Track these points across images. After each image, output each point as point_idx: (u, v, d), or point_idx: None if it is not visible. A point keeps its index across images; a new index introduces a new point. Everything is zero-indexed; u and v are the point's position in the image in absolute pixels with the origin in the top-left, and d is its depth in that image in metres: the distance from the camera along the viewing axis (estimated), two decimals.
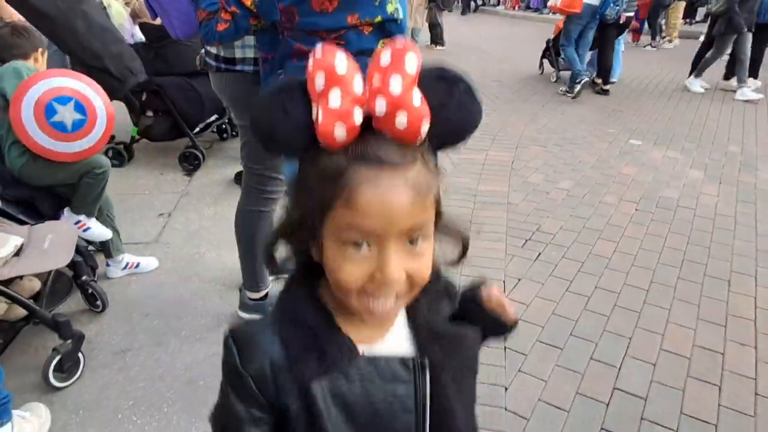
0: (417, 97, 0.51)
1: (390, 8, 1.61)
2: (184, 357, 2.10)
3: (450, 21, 11.63)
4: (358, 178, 0.51)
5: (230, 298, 2.47)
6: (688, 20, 12.93)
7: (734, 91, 6.85)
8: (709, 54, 6.92)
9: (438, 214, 0.58)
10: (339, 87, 0.50)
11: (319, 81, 0.50)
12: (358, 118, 0.51)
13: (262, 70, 1.82)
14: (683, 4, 11.09)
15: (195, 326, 2.27)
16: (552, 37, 7.37)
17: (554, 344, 2.28)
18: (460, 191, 3.80)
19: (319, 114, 0.50)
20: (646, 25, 11.10)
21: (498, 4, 16.92)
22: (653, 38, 10.93)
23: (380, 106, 0.51)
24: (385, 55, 0.52)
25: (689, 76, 7.21)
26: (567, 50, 6.72)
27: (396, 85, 0.50)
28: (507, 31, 13.45)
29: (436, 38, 10.54)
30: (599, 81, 6.93)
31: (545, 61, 7.89)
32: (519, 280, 2.75)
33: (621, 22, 6.56)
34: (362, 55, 1.68)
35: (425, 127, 0.52)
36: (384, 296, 0.56)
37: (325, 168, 0.52)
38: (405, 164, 0.52)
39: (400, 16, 1.64)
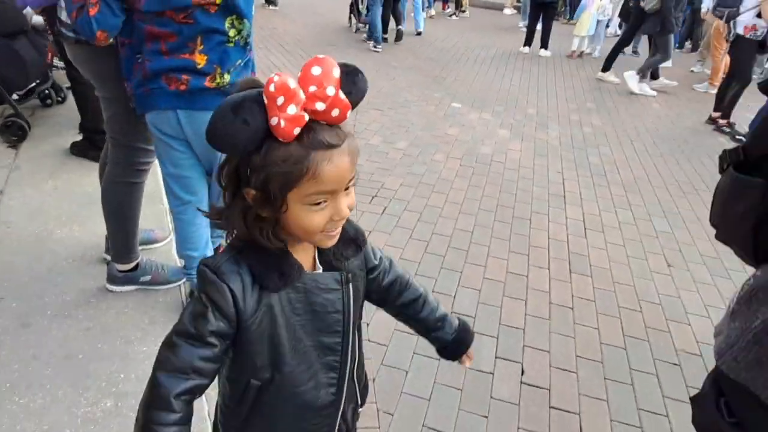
0: (342, 95, 0.76)
1: None
2: (56, 334, 2.08)
3: None
4: (319, 159, 0.75)
5: (92, 272, 2.43)
6: None
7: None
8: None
9: None
10: (293, 102, 0.73)
11: (280, 100, 0.73)
12: (305, 117, 0.75)
13: (122, 53, 1.84)
14: None
15: (60, 304, 2.23)
16: None
17: None
18: None
19: (280, 122, 0.73)
20: None
21: None
22: (457, 8, 12.04)
23: (320, 106, 0.75)
24: (316, 69, 0.76)
25: (606, 71, 7.53)
26: (371, 9, 8.06)
27: (330, 90, 0.75)
28: None
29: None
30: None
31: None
32: (370, 232, 3.14)
33: None
34: (214, 34, 1.81)
35: (349, 113, 0.78)
36: (338, 228, 0.84)
37: (289, 156, 0.75)
38: (342, 141, 0.78)
39: None
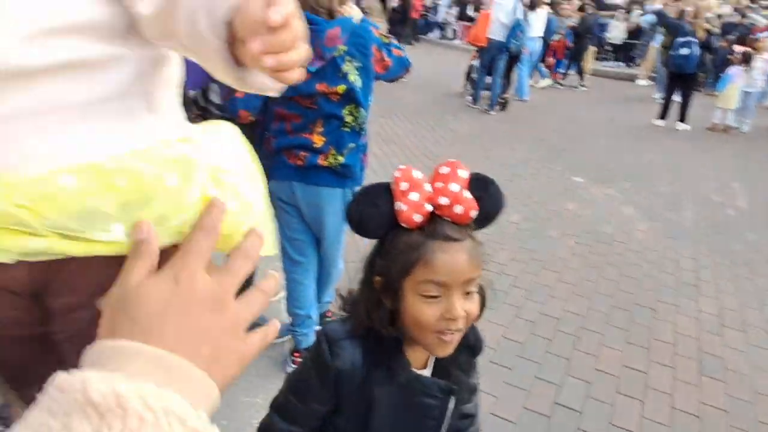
0: (468, 194, 0.82)
1: (351, 77, 1.95)
2: None
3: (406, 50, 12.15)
4: (434, 248, 0.80)
5: None
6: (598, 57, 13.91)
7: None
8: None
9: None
10: (417, 191, 0.79)
11: (404, 185, 0.80)
12: (429, 208, 0.81)
13: (256, 132, 2.10)
14: (594, 49, 12.03)
15: None
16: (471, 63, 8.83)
17: (503, 364, 2.59)
18: None
19: (402, 207, 0.79)
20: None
21: (454, 38, 17.78)
22: (581, 77, 11.74)
23: (444, 201, 0.81)
24: (444, 168, 0.83)
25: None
26: (480, 74, 8.24)
27: (455, 187, 0.80)
28: (452, 61, 14.13)
29: None
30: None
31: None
32: None
33: (524, 53, 8.26)
34: (333, 119, 2.00)
35: (473, 213, 0.82)
36: (453, 331, 0.84)
37: (408, 242, 0.81)
38: (463, 238, 0.82)
39: (360, 85, 1.97)
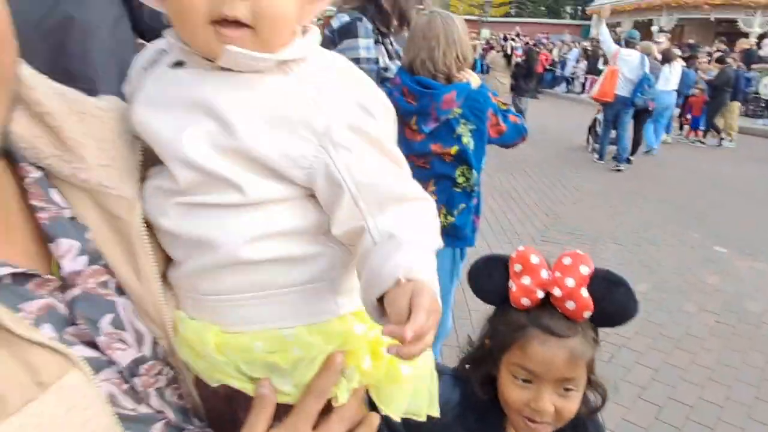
0: (584, 293, 0.80)
1: (465, 140, 1.99)
2: None
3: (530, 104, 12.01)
4: (533, 336, 0.81)
5: None
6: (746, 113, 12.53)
7: None
8: None
9: (590, 371, 0.86)
10: (530, 275, 0.81)
11: (517, 267, 0.82)
12: (540, 295, 0.82)
13: None
14: (738, 104, 10.87)
15: None
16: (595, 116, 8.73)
17: None
18: None
19: (513, 287, 0.82)
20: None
21: (582, 92, 17.33)
22: (719, 134, 10.67)
23: (557, 292, 0.81)
24: (567, 259, 0.84)
25: None
26: (604, 129, 8.08)
27: (570, 282, 0.80)
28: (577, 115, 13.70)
29: None
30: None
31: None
32: None
33: (650, 108, 7.85)
34: (445, 179, 2.05)
35: (587, 314, 0.81)
36: (539, 422, 0.82)
37: (512, 321, 0.83)
38: (567, 335, 0.81)
39: (473, 148, 2.01)
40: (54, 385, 0.47)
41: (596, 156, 8.42)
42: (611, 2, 27.74)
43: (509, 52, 10.58)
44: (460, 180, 2.02)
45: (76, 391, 0.48)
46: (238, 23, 0.54)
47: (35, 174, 0.54)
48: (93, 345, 0.53)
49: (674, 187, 7.17)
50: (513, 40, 12.67)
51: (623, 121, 7.74)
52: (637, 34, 8.68)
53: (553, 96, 18.67)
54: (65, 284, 0.53)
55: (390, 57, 2.12)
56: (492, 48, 17.32)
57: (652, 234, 5.30)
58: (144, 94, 0.61)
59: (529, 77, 11.17)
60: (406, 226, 0.57)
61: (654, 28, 22.31)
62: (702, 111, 10.74)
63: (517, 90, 10.70)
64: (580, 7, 40.25)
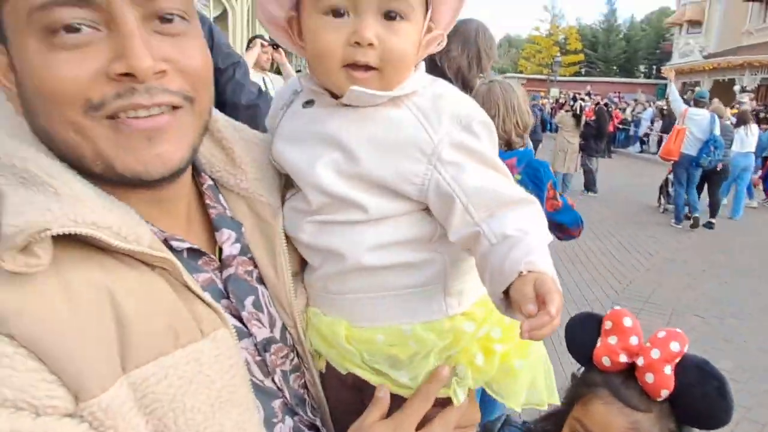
0: (667, 369, 0.79)
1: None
2: None
3: (601, 164, 11.72)
4: (600, 395, 0.81)
5: None
6: None
7: None
8: None
9: None
10: (618, 336, 0.83)
11: (608, 324, 0.84)
12: (623, 359, 0.83)
13: None
14: None
15: None
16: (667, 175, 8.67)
17: None
18: None
19: (598, 343, 0.83)
20: None
21: (657, 152, 16.79)
22: None
23: (639, 361, 0.82)
24: (662, 333, 0.84)
25: None
26: (676, 190, 7.92)
27: (656, 353, 0.80)
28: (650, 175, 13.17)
29: (589, 184, 10.66)
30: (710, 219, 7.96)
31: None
32: None
33: (718, 169, 7.58)
34: None
35: (664, 393, 0.79)
36: None
37: (588, 378, 0.84)
38: (635, 407, 0.80)
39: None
40: (211, 334, 0.59)
41: (673, 221, 8.07)
42: (689, 62, 27.16)
43: (578, 112, 10.51)
44: None
45: (224, 343, 0.60)
46: (367, 66, 0.65)
47: (209, 182, 0.72)
48: (238, 318, 0.67)
49: (759, 257, 6.68)
50: (582, 99, 12.57)
51: (689, 181, 7.73)
52: (706, 93, 8.52)
53: (626, 156, 18.17)
54: (223, 265, 0.68)
55: None
56: (562, 107, 17.24)
57: (736, 307, 4.94)
58: (281, 129, 0.75)
59: (600, 137, 10.99)
60: (518, 225, 0.63)
61: (736, 88, 21.46)
62: None
63: (587, 150, 10.54)
64: (654, 66, 39.56)
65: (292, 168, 0.71)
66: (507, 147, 2.02)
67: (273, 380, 0.69)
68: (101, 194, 0.56)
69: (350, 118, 0.68)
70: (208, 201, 0.71)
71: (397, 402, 0.69)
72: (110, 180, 0.57)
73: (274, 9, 0.70)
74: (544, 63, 38.34)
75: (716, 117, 7.51)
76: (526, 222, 0.64)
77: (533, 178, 2.03)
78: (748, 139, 8.74)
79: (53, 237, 0.49)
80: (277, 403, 0.69)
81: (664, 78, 31.69)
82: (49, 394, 0.47)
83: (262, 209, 0.73)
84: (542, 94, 28.97)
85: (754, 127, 9.01)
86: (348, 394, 0.75)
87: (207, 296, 0.61)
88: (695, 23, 28.89)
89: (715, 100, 10.72)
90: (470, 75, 2.15)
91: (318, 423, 0.75)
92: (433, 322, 0.70)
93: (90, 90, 0.51)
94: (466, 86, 2.17)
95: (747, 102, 16.37)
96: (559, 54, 35.42)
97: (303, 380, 0.75)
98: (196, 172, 0.71)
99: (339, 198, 0.67)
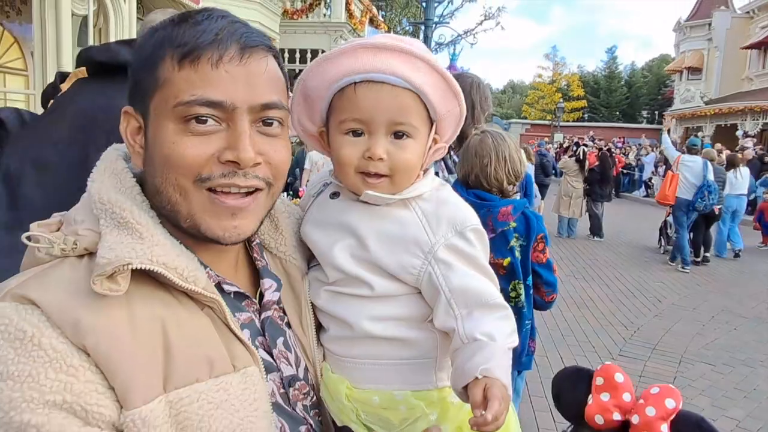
0: (664, 428, 0.80)
1: (517, 253, 2.05)
2: None
3: (607, 209, 11.72)
4: None
5: None
6: None
7: None
8: None
9: None
10: (610, 392, 0.85)
11: (599, 380, 0.86)
12: (616, 417, 0.84)
13: None
14: None
15: None
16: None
17: None
18: None
19: (590, 400, 0.85)
20: None
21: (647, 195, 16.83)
22: None
23: (634, 419, 0.84)
24: (655, 389, 0.86)
25: None
26: (678, 233, 8.23)
27: (651, 411, 0.82)
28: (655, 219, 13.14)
29: (595, 229, 10.66)
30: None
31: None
32: None
33: (716, 212, 8.17)
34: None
35: None
36: None
37: None
38: None
39: (520, 260, 2.06)
40: (242, 369, 0.69)
41: (680, 266, 8.10)
42: (691, 107, 27.55)
43: (581, 157, 10.62)
44: (512, 294, 2.05)
45: (252, 379, 0.70)
46: (379, 174, 0.80)
47: (257, 241, 0.86)
48: (270, 353, 0.78)
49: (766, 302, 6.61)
50: (585, 145, 12.71)
51: (682, 223, 8.08)
52: (698, 141, 8.99)
53: (632, 200, 18.21)
54: (262, 308, 0.80)
55: (449, 171, 2.28)
56: (566, 151, 17.39)
57: (747, 355, 4.86)
58: (310, 214, 0.90)
59: (604, 182, 11.05)
60: (487, 331, 0.74)
61: (739, 133, 21.67)
62: None
63: (592, 195, 10.60)
64: (656, 112, 40.10)
65: (315, 246, 0.86)
66: (501, 194, 2.08)
67: (295, 410, 0.79)
68: (175, 243, 0.70)
69: (366, 212, 0.82)
70: (255, 255, 0.84)
71: None
72: (190, 233, 0.72)
73: (308, 125, 0.88)
74: (548, 109, 38.97)
75: (708, 163, 7.89)
76: (495, 329, 0.75)
77: (526, 227, 2.07)
78: (737, 181, 9.19)
79: (132, 270, 0.62)
80: (302, 429, 0.79)
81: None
82: (98, 402, 0.59)
83: (293, 270, 0.86)
84: (546, 140, 29.32)
85: (744, 170, 9.45)
86: None
87: (244, 337, 0.72)
88: (695, 70, 29.43)
89: (718, 145, 10.92)
90: (466, 125, 2.24)
91: None
92: (424, 392, 0.80)
93: (203, 167, 0.67)
94: (462, 137, 2.25)
95: (751, 146, 16.52)
96: (561, 100, 36.03)
97: (320, 418, 0.85)
98: None
99: (351, 275, 0.80)
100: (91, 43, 6.54)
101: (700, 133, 26.07)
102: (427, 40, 10.16)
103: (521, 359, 2.12)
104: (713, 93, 27.28)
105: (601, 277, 7.44)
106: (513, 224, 2.06)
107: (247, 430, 0.67)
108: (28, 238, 0.66)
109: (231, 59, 0.67)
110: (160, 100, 0.68)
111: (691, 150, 8.41)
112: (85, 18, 6.44)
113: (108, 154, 0.76)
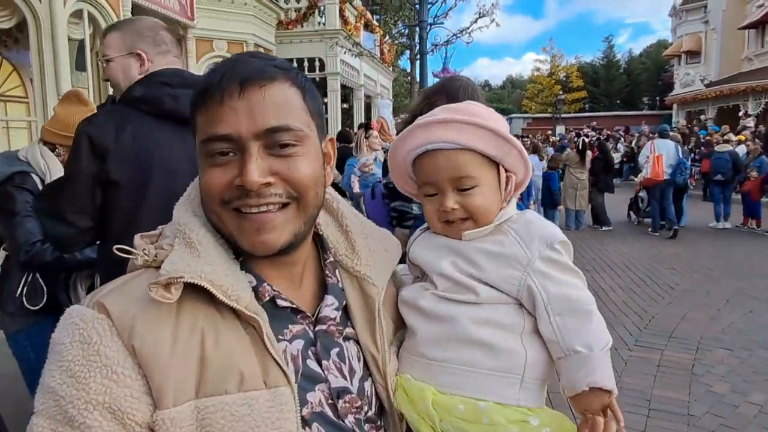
0: None
1: None
2: None
3: (611, 198, 11.67)
4: None
5: None
6: None
7: None
8: None
9: None
10: None
11: None
12: None
13: None
14: None
15: None
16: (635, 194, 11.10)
17: None
18: (630, 394, 3.68)
19: None
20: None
21: None
22: None
23: None
24: None
25: None
26: (652, 204, 10.06)
27: None
28: None
29: (598, 218, 10.63)
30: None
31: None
32: None
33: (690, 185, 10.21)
34: None
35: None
36: None
37: None
38: None
39: None
40: (272, 388, 0.73)
41: (650, 229, 9.97)
42: (692, 91, 27.39)
43: (581, 147, 10.60)
44: None
45: (281, 399, 0.73)
46: (460, 219, 0.93)
47: (331, 259, 0.93)
48: (320, 364, 0.82)
49: None
50: (586, 135, 12.68)
51: (663, 197, 9.74)
52: (667, 127, 10.89)
53: (634, 186, 18.08)
54: (317, 321, 0.85)
55: None
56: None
57: (764, 337, 4.80)
58: (419, 240, 1.02)
59: (608, 171, 11.03)
60: (585, 341, 0.85)
61: (741, 113, 21.54)
62: (759, 196, 10.50)
63: (598, 185, 10.57)
64: (657, 98, 39.90)
65: (423, 262, 0.98)
66: None
67: (344, 422, 0.82)
68: (229, 264, 0.78)
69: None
70: (327, 272, 0.91)
71: None
72: (244, 251, 0.80)
73: (409, 187, 1.06)
74: (548, 102, 38.87)
75: (678, 145, 9.82)
76: (593, 339, 0.85)
77: None
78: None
79: (185, 284, 0.71)
80: None
81: (669, 108, 31.93)
82: (131, 406, 0.67)
83: (368, 288, 0.92)
84: (548, 132, 29.22)
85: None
86: None
87: (279, 356, 0.75)
88: (694, 53, 29.26)
89: (725, 127, 11.43)
90: None
91: None
92: (506, 406, 0.86)
93: (224, 193, 0.77)
94: None
95: (752, 124, 16.41)
96: (561, 92, 35.94)
97: None
98: (323, 250, 0.95)
99: (460, 283, 0.91)
100: (89, 66, 6.58)
101: (702, 116, 25.93)
102: (422, 42, 10.17)
103: None
104: (714, 75, 27.11)
105: (613, 269, 7.39)
106: None
107: None
108: (119, 249, 0.78)
109: (231, 96, 0.75)
110: (197, 142, 0.80)
111: (663, 135, 10.01)
112: (81, 42, 6.48)
113: (194, 182, 0.88)
